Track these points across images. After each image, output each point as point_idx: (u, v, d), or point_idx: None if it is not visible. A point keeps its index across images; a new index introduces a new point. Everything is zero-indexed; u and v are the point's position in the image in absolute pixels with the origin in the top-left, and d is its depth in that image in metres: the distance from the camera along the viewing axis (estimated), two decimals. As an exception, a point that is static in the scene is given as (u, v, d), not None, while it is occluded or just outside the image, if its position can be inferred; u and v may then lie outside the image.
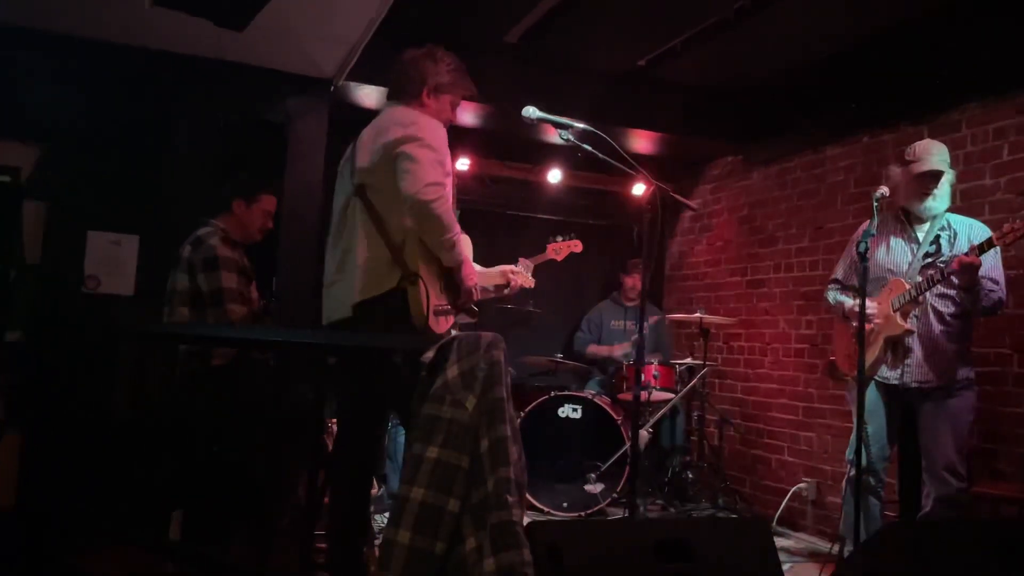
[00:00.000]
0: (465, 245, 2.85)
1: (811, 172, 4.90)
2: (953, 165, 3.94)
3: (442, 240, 2.58)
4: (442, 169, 2.58)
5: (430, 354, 2.22)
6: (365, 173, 2.65)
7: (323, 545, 2.92)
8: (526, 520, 2.09)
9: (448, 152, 2.69)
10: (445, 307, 2.67)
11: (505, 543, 1.97)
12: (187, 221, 3.50)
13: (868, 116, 4.45)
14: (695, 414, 5.17)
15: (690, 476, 4.97)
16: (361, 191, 2.65)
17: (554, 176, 5.74)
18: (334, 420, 3.33)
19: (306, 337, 2.34)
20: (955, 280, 3.09)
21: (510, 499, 2.02)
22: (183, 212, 3.63)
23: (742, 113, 5.18)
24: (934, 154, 3.23)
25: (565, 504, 4.57)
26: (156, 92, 4.26)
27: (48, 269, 4.08)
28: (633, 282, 5.56)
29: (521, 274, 3.32)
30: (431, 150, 2.56)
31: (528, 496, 4.52)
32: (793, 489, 4.70)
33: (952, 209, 3.68)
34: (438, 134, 2.64)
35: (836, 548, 3.63)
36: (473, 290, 2.73)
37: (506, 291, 3.26)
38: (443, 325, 2.66)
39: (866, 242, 2.99)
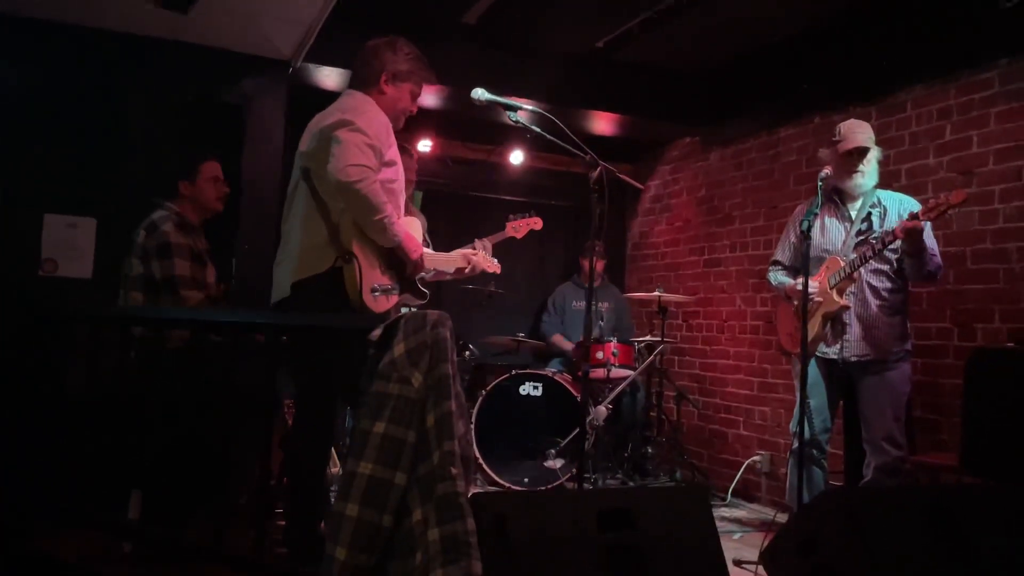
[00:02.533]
0: (411, 226, 2.89)
1: (766, 153, 4.99)
2: (898, 145, 4.06)
3: (371, 221, 2.62)
4: (371, 153, 2.61)
5: (377, 332, 2.26)
6: (307, 157, 2.72)
7: (282, 523, 2.97)
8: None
9: (389, 140, 2.72)
10: (385, 286, 2.72)
11: (449, 514, 2.02)
12: (145, 203, 3.50)
13: (819, 98, 4.54)
14: (654, 390, 5.27)
15: (649, 451, 5.08)
16: (306, 175, 2.71)
17: (516, 157, 5.78)
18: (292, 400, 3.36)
19: (253, 317, 2.37)
20: (904, 247, 3.18)
21: (454, 471, 2.07)
22: (141, 194, 3.62)
23: (700, 95, 5.25)
24: (858, 132, 3.33)
25: (526, 480, 4.66)
26: (112, 73, 4.22)
27: (4, 252, 4.06)
28: (600, 267, 5.64)
29: (483, 257, 3.35)
30: (361, 134, 2.59)
31: (490, 472, 4.60)
32: (747, 462, 4.83)
33: (897, 188, 3.79)
34: (375, 121, 2.68)
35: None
36: (419, 262, 2.78)
37: (466, 272, 3.30)
38: (382, 304, 2.70)
39: (809, 220, 3.08)
